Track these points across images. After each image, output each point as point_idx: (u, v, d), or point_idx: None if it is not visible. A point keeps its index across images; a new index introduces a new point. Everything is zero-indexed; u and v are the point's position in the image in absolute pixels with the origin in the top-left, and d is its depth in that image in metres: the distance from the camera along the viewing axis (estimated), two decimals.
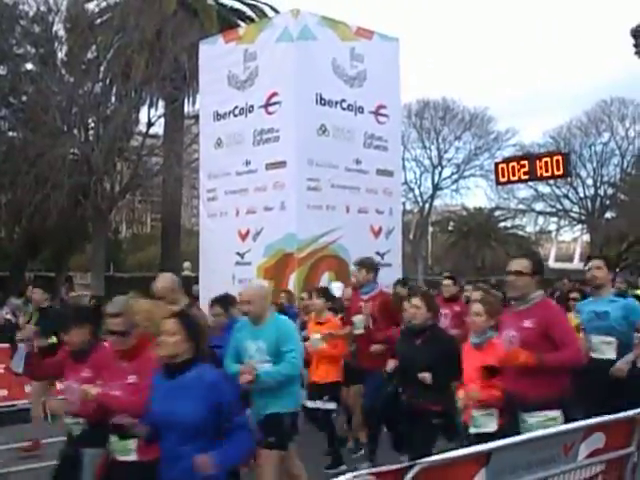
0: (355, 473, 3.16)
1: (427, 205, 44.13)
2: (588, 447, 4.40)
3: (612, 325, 6.16)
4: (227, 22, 25.98)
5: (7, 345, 10.40)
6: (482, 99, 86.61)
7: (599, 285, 6.40)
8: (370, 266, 8.34)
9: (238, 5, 29.26)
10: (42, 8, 23.38)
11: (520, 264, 5.15)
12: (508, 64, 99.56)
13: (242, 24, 25.51)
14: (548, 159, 10.67)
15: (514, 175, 10.90)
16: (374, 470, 3.25)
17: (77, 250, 33.21)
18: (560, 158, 10.65)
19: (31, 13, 23.83)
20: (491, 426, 5.19)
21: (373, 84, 13.57)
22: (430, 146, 43.18)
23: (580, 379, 5.31)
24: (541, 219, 46.90)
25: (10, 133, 24.81)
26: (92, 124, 23.94)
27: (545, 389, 4.80)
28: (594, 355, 6.14)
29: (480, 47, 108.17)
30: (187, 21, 24.25)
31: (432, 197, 43.98)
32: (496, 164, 11.53)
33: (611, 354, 6.11)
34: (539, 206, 44.79)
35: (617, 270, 23.56)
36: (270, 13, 26.67)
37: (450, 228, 52.59)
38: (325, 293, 8.52)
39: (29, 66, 24.07)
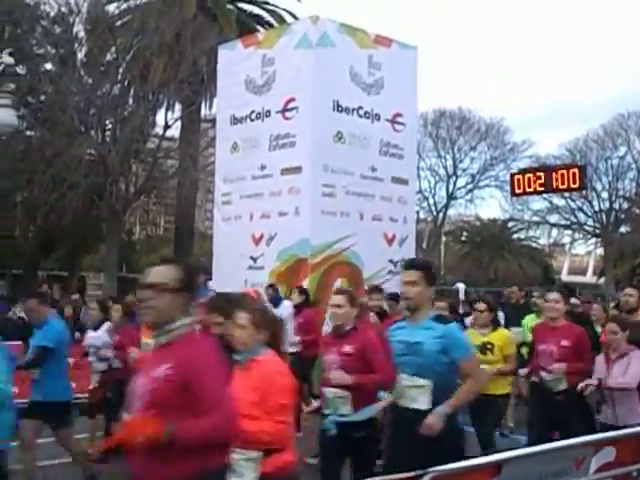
0: None
1: (441, 214, 44.07)
2: (598, 461, 4.39)
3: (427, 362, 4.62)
4: (246, 27, 26.09)
5: (20, 343, 10.46)
6: (498, 110, 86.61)
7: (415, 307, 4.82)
8: None
9: (257, 10, 29.39)
10: (63, 9, 23.57)
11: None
12: (525, 75, 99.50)
13: (261, 29, 25.61)
14: (564, 171, 10.67)
15: (530, 186, 10.90)
16: (385, 478, 3.24)
17: (91, 250, 33.36)
18: (576, 171, 10.64)
19: (52, 14, 24.02)
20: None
21: (390, 92, 13.57)
22: (445, 155, 43.19)
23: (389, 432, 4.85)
24: (555, 231, 46.79)
25: (28, 132, 24.95)
26: (109, 125, 24.07)
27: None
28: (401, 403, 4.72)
29: (498, 57, 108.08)
30: (206, 25, 24.33)
31: (446, 206, 43.94)
32: (512, 175, 11.54)
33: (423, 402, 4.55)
34: (553, 218, 44.64)
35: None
36: (289, 19, 26.78)
37: (463, 238, 52.47)
38: None
39: (48, 66, 24.24)
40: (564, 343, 6.62)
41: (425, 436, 4.33)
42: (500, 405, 7.38)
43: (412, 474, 3.34)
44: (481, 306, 7.42)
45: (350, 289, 6.78)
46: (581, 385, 6.25)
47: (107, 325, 8.65)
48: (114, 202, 23.27)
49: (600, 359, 6.52)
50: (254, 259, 13.11)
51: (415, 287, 4.62)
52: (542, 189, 11.00)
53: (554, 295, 6.91)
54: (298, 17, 24.80)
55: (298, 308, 10.39)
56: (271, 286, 11.24)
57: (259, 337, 4.23)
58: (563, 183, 10.49)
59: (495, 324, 7.49)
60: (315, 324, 10.27)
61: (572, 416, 6.48)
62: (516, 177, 11.17)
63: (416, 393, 4.56)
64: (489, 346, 7.16)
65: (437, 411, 4.39)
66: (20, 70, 23.94)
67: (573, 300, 9.85)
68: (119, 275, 27.88)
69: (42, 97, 24.49)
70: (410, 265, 4.84)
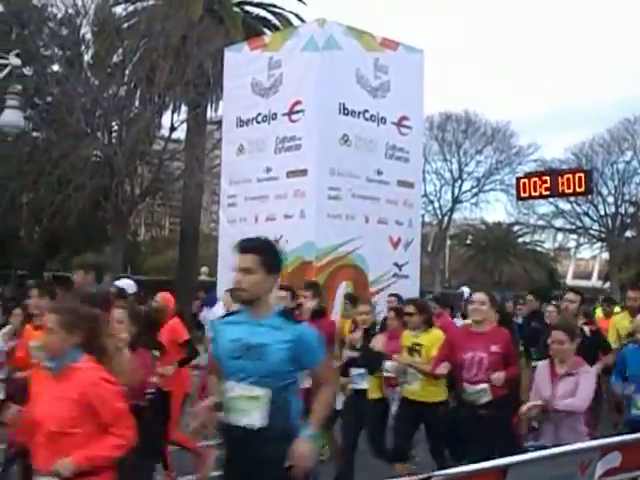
0: None
1: (446, 218, 44.06)
2: (604, 466, 4.38)
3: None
4: (252, 29, 26.12)
5: None
6: (505, 113, 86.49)
7: None
8: None
9: (264, 13, 29.41)
10: (70, 11, 23.64)
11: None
12: (532, 79, 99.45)
13: (267, 32, 25.64)
14: (570, 175, 10.67)
15: (535, 190, 10.90)
16: None
17: (96, 251, 33.41)
18: (582, 175, 10.64)
19: (59, 15, 24.10)
20: None
21: (396, 95, 13.57)
22: (451, 159, 43.16)
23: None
24: (560, 236, 46.80)
25: (34, 133, 25.03)
26: (115, 127, 24.12)
27: None
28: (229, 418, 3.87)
29: (504, 61, 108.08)
30: (212, 27, 24.37)
31: (451, 210, 43.91)
32: (518, 179, 11.54)
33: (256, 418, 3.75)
34: (559, 222, 44.63)
35: None
36: (295, 22, 26.80)
37: (468, 242, 52.46)
38: None
39: (55, 68, 24.32)
40: (494, 349, 6.06)
41: (264, 460, 3.66)
42: (438, 414, 6.93)
43: (416, 477, 3.34)
44: (410, 309, 7.13)
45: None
46: (525, 408, 5.46)
47: (7, 329, 8.21)
48: (120, 203, 23.32)
49: (543, 373, 5.70)
50: None
51: (251, 275, 3.74)
52: (548, 193, 10.99)
53: (480, 295, 6.27)
54: (305, 20, 24.84)
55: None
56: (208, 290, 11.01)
57: (72, 340, 3.76)
58: (569, 187, 10.48)
59: (428, 325, 7.15)
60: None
61: (493, 433, 5.88)
62: (522, 181, 11.18)
63: (249, 406, 3.72)
64: (417, 347, 6.98)
65: (304, 436, 3.66)
66: (27, 71, 23.98)
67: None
68: (124, 276, 27.90)
69: (49, 98, 24.56)
70: (245, 248, 3.83)
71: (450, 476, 3.41)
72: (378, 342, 7.44)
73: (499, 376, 5.99)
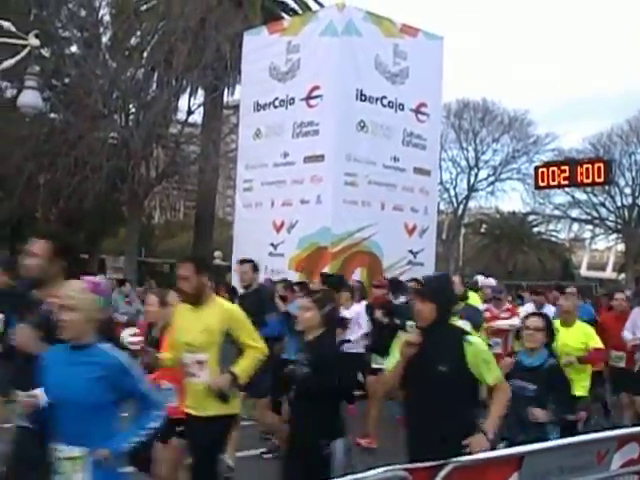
0: (388, 467, 3.16)
1: (461, 206, 43.90)
2: (622, 457, 4.37)
3: None
4: (271, 13, 26.00)
5: None
6: (523, 102, 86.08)
7: None
8: None
9: None
10: None
11: None
12: (551, 68, 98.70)
13: (285, 16, 25.52)
14: (589, 165, 10.58)
15: (554, 180, 10.82)
16: (408, 466, 3.25)
17: (110, 233, 33.55)
18: (602, 165, 10.55)
19: None
20: None
21: (415, 82, 13.52)
22: (467, 147, 42.96)
23: None
24: (576, 226, 46.56)
25: (52, 115, 25.05)
26: (133, 109, 24.10)
27: None
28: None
29: (523, 49, 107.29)
30: (231, 11, 24.25)
31: (467, 198, 43.74)
32: (536, 168, 11.46)
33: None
34: (575, 213, 44.39)
35: None
36: (314, 6, 26.65)
37: (482, 230, 52.27)
38: None
39: (73, 49, 24.28)
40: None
41: None
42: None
43: (434, 464, 3.35)
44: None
45: None
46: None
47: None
48: (135, 186, 23.35)
49: None
50: (274, 246, 13.14)
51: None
52: (566, 182, 10.92)
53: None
54: (323, 4, 24.71)
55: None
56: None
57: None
58: (588, 177, 10.41)
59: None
60: None
61: None
62: (540, 170, 11.10)
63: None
64: None
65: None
66: (45, 53, 23.99)
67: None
68: (138, 259, 28.05)
69: (66, 80, 24.57)
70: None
71: (468, 463, 3.42)
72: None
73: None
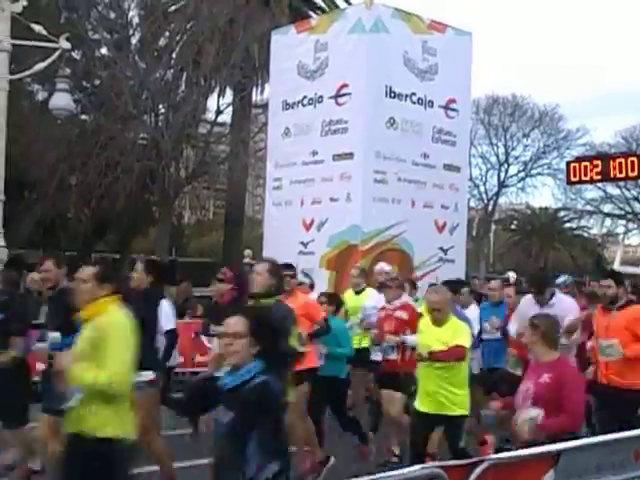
0: (424, 465, 3.16)
1: (491, 203, 43.61)
2: None
3: None
4: (298, 12, 26.02)
5: None
6: (553, 96, 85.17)
7: None
8: None
9: None
10: None
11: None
12: (581, 62, 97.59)
13: (313, 15, 25.55)
14: (622, 160, 10.45)
15: (586, 175, 10.71)
16: (443, 463, 3.24)
17: (141, 233, 33.81)
18: (635, 159, 10.41)
19: None
20: None
21: (444, 78, 13.45)
22: (497, 143, 42.65)
23: None
24: (608, 221, 46.03)
25: (83, 116, 25.34)
26: (162, 110, 24.27)
27: None
28: None
29: (552, 43, 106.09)
30: (259, 10, 24.32)
31: (497, 194, 43.44)
32: (568, 163, 11.35)
33: None
34: (607, 208, 43.88)
35: None
36: (342, 4, 26.62)
37: (513, 227, 51.91)
38: None
39: (103, 51, 24.53)
40: None
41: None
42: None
43: (469, 461, 3.34)
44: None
45: None
46: None
47: None
48: (166, 186, 23.52)
49: None
50: (304, 244, 13.16)
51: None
52: (599, 178, 10.79)
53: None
54: (351, 2, 24.67)
55: None
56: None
57: None
58: (621, 172, 10.27)
59: None
60: None
61: None
62: (572, 165, 10.98)
63: None
64: None
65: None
66: (76, 55, 24.28)
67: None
68: (169, 258, 28.24)
69: (97, 82, 24.82)
70: None
71: (504, 460, 3.40)
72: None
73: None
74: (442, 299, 6.49)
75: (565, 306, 7.61)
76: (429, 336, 6.47)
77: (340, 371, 7.93)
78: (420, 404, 6.38)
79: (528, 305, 7.62)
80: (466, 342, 6.38)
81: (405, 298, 8.52)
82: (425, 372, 6.42)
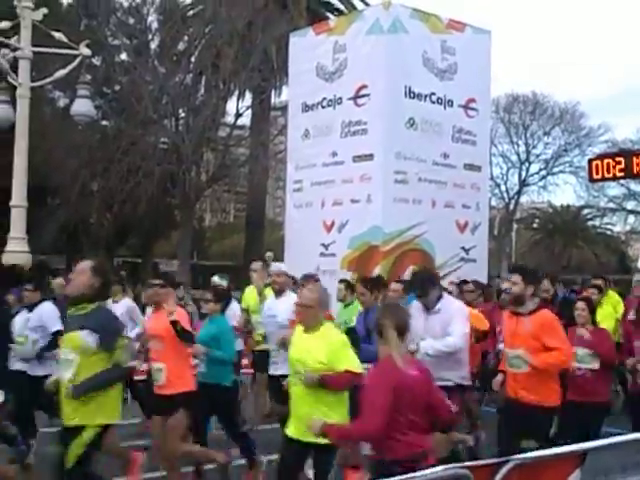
0: (449, 465, 3.15)
1: (513, 201, 43.39)
2: None
3: None
4: (316, 14, 26.10)
5: None
6: (573, 94, 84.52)
7: None
8: None
9: None
10: (137, 0, 24.03)
11: None
12: (602, 57, 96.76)
13: (331, 16, 25.58)
14: None
15: (609, 172, 10.65)
16: (468, 464, 3.23)
17: (163, 237, 34.03)
18: None
19: (126, 5, 24.53)
20: None
21: (463, 77, 13.38)
22: (518, 141, 42.38)
23: None
24: (632, 218, 45.62)
25: (104, 122, 25.56)
26: (182, 114, 24.45)
27: None
28: None
29: (573, 39, 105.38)
30: (277, 13, 24.45)
31: (518, 193, 43.20)
32: (590, 160, 11.31)
33: None
34: (630, 205, 43.50)
35: None
36: (359, 5, 26.67)
37: (535, 225, 51.62)
38: None
39: (123, 57, 24.77)
40: None
41: None
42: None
43: (495, 461, 3.33)
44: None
45: None
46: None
47: None
48: (187, 190, 23.67)
49: None
50: (325, 246, 13.14)
51: None
52: (622, 174, 10.72)
53: None
54: (369, 3, 24.67)
55: None
56: None
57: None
58: None
59: None
60: None
61: None
62: (594, 162, 10.93)
63: None
64: None
65: None
66: (96, 61, 24.52)
67: None
68: (191, 262, 28.40)
69: (117, 87, 25.07)
70: None
71: (529, 460, 3.39)
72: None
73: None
74: (311, 298, 5.33)
75: (451, 312, 6.70)
76: (300, 348, 5.35)
77: (223, 378, 7.05)
78: (290, 429, 5.31)
79: (414, 314, 6.25)
80: (354, 365, 5.16)
81: None
82: (297, 391, 5.27)
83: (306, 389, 5.13)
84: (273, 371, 7.65)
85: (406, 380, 4.15)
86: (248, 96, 26.53)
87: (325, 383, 5.05)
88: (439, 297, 6.76)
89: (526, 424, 5.78)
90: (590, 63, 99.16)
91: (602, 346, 7.12)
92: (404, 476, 3.33)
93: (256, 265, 10.20)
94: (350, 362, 5.12)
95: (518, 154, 42.65)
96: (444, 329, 6.56)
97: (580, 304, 7.37)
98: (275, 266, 8.90)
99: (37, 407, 7.44)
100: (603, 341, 7.21)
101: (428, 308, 6.69)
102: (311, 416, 4.83)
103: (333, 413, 5.03)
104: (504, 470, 3.27)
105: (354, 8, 26.22)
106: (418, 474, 3.31)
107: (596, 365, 7.07)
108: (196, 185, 24.64)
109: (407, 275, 11.84)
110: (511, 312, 6.18)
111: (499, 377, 6.48)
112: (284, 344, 6.54)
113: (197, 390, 6.70)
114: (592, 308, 7.45)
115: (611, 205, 44.35)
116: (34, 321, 7.54)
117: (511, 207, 43.44)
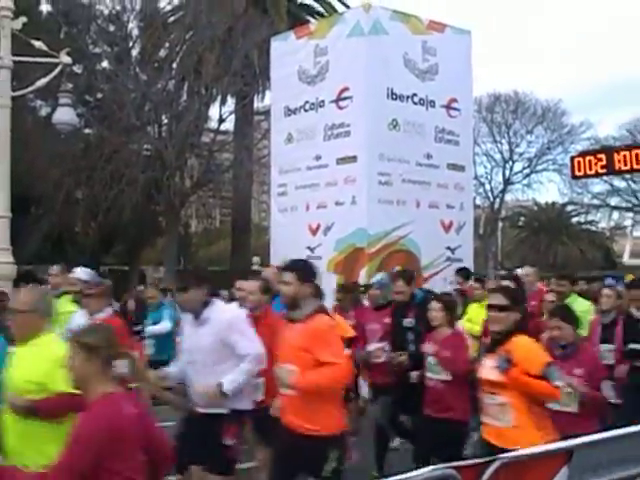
0: (436, 466, 3.15)
1: (497, 200, 43.56)
2: None
3: None
4: (297, 18, 26.11)
5: None
6: (555, 92, 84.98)
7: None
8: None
9: (308, 1, 29.37)
10: (117, 8, 23.95)
11: None
12: (582, 55, 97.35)
13: (312, 20, 25.59)
14: (627, 152, 10.44)
15: (591, 169, 10.70)
16: (455, 464, 3.24)
17: (149, 244, 33.90)
18: (639, 151, 10.39)
19: (106, 12, 24.44)
20: None
21: (445, 78, 13.45)
22: (501, 140, 42.55)
23: None
24: (616, 214, 45.91)
25: (86, 130, 25.45)
26: (165, 120, 24.38)
27: None
28: None
29: (552, 39, 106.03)
30: (257, 18, 24.41)
31: (503, 192, 43.37)
32: (572, 157, 11.36)
33: None
34: (614, 201, 43.75)
35: None
36: (340, 8, 26.70)
37: (520, 223, 51.83)
38: None
39: (104, 64, 24.68)
40: None
41: None
42: None
43: (481, 460, 3.33)
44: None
45: None
46: None
47: None
48: (171, 196, 23.60)
49: None
50: (311, 249, 13.15)
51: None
52: (604, 171, 10.78)
53: None
54: (349, 6, 24.72)
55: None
56: None
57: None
58: (626, 164, 10.26)
59: None
60: None
61: None
62: (576, 159, 10.98)
63: None
64: None
65: None
66: (77, 69, 24.40)
67: None
68: (177, 268, 28.29)
69: (99, 95, 24.96)
70: None
71: (516, 458, 3.40)
72: None
73: None
74: (24, 302, 4.36)
75: (220, 324, 5.25)
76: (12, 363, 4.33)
77: None
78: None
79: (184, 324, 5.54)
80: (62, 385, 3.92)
81: (110, 310, 6.42)
82: (8, 420, 4.16)
83: (15, 416, 4.04)
84: None
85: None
86: (231, 101, 26.51)
87: (37, 409, 3.99)
88: (206, 303, 5.30)
89: (298, 457, 4.59)
90: (571, 61, 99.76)
91: (453, 353, 6.19)
92: (391, 478, 3.33)
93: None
94: (58, 381, 3.94)
95: (502, 153, 42.84)
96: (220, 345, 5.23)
97: (434, 304, 6.47)
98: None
99: None
100: (455, 347, 6.24)
101: (196, 317, 5.32)
102: (22, 452, 3.89)
103: (49, 448, 3.77)
104: (490, 469, 3.28)
105: (335, 11, 26.26)
106: (406, 475, 3.31)
107: (447, 376, 6.18)
108: (181, 191, 24.58)
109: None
110: (286, 318, 4.88)
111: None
112: None
113: None
114: (451, 308, 6.56)
115: (595, 202, 44.63)
116: None
117: (496, 206, 43.60)
